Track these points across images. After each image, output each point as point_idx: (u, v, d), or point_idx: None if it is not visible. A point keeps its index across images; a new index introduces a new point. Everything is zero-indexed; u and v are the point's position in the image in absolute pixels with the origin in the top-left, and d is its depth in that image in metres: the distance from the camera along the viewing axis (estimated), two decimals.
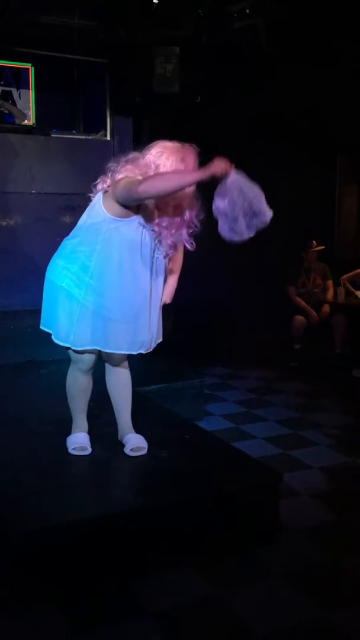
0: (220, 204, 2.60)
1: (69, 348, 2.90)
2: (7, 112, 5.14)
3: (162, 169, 2.67)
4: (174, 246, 2.84)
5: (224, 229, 2.63)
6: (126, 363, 3.04)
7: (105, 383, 3.08)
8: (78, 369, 2.97)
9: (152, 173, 2.67)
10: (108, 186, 2.77)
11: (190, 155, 2.70)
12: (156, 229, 2.77)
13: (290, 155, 6.75)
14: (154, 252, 2.83)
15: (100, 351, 2.92)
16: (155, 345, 2.96)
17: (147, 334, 2.89)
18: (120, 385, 3.06)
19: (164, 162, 2.68)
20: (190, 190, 2.71)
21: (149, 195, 2.60)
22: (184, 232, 2.80)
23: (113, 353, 2.93)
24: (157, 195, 2.63)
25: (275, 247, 6.76)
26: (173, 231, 2.77)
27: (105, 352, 2.93)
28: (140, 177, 2.64)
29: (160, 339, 3.01)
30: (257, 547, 2.76)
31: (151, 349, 2.94)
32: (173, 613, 2.35)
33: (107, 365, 3.04)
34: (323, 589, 2.52)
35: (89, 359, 2.93)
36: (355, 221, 7.32)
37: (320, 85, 5.83)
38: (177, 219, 2.76)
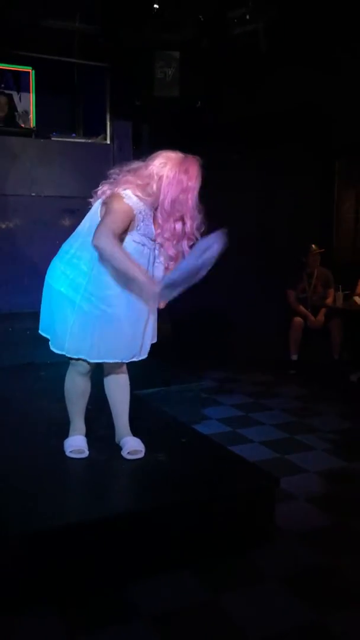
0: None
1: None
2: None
3: (165, 181, 2.68)
4: (174, 257, 2.84)
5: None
6: (125, 367, 3.06)
7: (103, 386, 3.09)
8: (77, 372, 2.98)
9: (154, 184, 2.69)
10: (107, 197, 2.77)
11: (194, 166, 2.71)
12: (158, 240, 2.79)
13: (288, 159, 6.78)
14: (153, 262, 2.84)
15: None
16: (146, 352, 2.98)
17: (140, 344, 2.91)
18: (118, 388, 3.07)
19: (167, 173, 2.69)
20: (193, 202, 2.72)
21: (100, 249, 2.67)
22: (184, 243, 2.80)
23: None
24: (104, 256, 2.69)
25: (274, 251, 6.79)
26: (174, 242, 2.78)
27: None
28: (125, 203, 2.68)
29: (155, 340, 3.03)
30: (254, 551, 2.77)
31: (145, 357, 2.96)
32: (170, 616, 2.36)
33: (105, 368, 3.05)
34: (319, 593, 2.53)
35: (88, 361, 2.93)
36: (354, 225, 7.34)
37: (319, 90, 5.85)
38: (179, 231, 2.77)
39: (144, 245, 2.78)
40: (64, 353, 2.88)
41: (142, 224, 2.75)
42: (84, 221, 2.89)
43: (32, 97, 5.27)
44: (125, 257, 2.68)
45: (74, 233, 2.93)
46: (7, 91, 5.24)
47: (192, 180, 2.69)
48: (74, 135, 5.61)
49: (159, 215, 2.75)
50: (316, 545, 2.89)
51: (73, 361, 2.95)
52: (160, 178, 2.69)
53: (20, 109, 5.27)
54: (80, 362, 2.92)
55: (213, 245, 2.56)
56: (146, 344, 2.95)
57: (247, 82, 5.77)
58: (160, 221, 2.76)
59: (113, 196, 2.72)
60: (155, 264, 2.84)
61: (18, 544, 2.38)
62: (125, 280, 2.71)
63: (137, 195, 2.72)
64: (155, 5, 4.65)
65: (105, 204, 2.76)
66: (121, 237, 2.73)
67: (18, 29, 4.71)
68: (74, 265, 2.81)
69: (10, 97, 5.15)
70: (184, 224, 2.76)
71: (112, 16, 4.96)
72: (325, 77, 5.71)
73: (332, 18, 4.90)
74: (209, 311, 6.03)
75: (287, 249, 6.64)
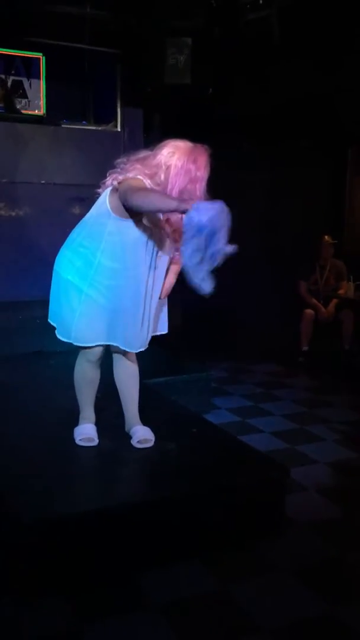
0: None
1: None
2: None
3: (173, 170, 2.64)
4: (180, 249, 2.81)
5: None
6: (134, 356, 3.04)
7: (112, 375, 3.08)
8: (86, 360, 2.97)
9: (162, 174, 2.65)
10: (118, 182, 2.72)
11: (202, 156, 2.67)
12: (166, 229, 2.76)
13: (299, 149, 6.71)
14: (158, 252, 2.81)
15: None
16: (148, 340, 2.94)
17: (146, 333, 2.89)
18: (128, 377, 3.06)
19: (175, 162, 2.65)
20: (201, 192, 2.67)
21: (137, 206, 2.59)
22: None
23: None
24: (142, 210, 2.62)
25: (286, 241, 6.74)
26: (180, 233, 2.74)
27: (114, 346, 2.93)
28: (144, 182, 2.61)
29: (166, 330, 3.01)
30: (263, 541, 2.76)
31: (146, 347, 2.94)
32: (179, 606, 2.36)
33: (115, 357, 3.04)
34: (328, 584, 2.52)
35: (98, 349, 2.92)
36: None
37: (332, 78, 5.77)
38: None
39: (148, 233, 2.75)
40: (70, 341, 2.87)
41: (147, 214, 2.72)
42: (91, 210, 2.87)
43: (42, 83, 5.22)
44: (159, 195, 2.58)
45: (81, 221, 2.91)
46: (16, 77, 5.19)
47: (200, 170, 2.65)
48: (84, 122, 5.56)
49: None
50: (326, 536, 2.87)
51: (82, 349, 2.94)
52: (168, 168, 2.65)
53: (30, 95, 5.22)
54: (89, 350, 2.91)
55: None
56: (149, 331, 2.93)
57: (259, 71, 5.70)
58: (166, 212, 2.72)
59: (128, 179, 2.67)
60: (160, 254, 2.81)
61: (27, 533, 2.38)
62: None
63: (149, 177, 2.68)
64: None
65: (119, 184, 2.69)
66: (134, 217, 2.70)
67: (28, 14, 4.66)
68: (81, 253, 2.80)
69: (3, 80, 5.07)
70: None
71: (124, 2, 4.91)
72: (338, 65, 5.63)
73: (345, 5, 4.83)
74: (219, 301, 5.99)
75: (298, 239, 6.58)
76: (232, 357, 6.03)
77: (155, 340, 3.00)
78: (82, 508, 2.53)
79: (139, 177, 2.66)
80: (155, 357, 3.15)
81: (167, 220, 2.76)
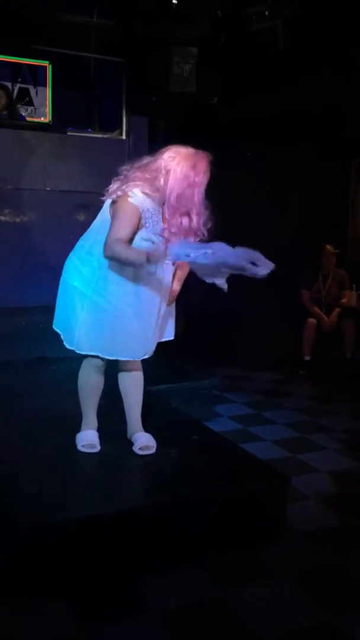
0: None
1: None
2: None
3: (172, 175, 2.68)
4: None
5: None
6: (139, 363, 3.05)
7: (115, 381, 3.09)
8: (90, 366, 2.98)
9: (161, 178, 2.70)
10: (116, 197, 2.78)
11: (202, 162, 2.71)
12: (165, 234, 2.78)
13: (303, 158, 6.73)
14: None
15: None
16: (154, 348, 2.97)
17: (151, 340, 2.92)
18: (132, 384, 3.07)
19: (175, 167, 2.69)
20: (199, 197, 2.72)
21: (114, 259, 2.71)
22: (191, 240, 2.79)
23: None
24: (120, 262, 2.72)
25: (288, 249, 6.75)
26: (181, 238, 2.76)
27: None
28: (136, 205, 2.70)
29: (172, 337, 3.04)
30: (264, 549, 2.76)
31: (151, 354, 2.95)
32: (179, 611, 2.36)
33: (120, 363, 3.05)
34: (328, 592, 2.52)
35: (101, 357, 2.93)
36: None
37: (336, 90, 5.80)
38: (185, 226, 2.76)
39: (153, 242, 2.77)
40: (73, 348, 2.89)
41: (150, 221, 2.76)
42: (96, 218, 2.92)
43: (48, 91, 5.26)
44: (134, 251, 2.68)
45: (88, 229, 2.95)
46: (23, 85, 5.23)
47: (199, 175, 2.68)
48: (89, 130, 5.60)
49: (166, 209, 2.75)
50: (326, 544, 2.87)
51: (87, 356, 2.96)
52: (167, 172, 2.69)
53: (36, 103, 5.26)
54: (94, 357, 2.93)
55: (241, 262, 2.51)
56: (155, 338, 2.95)
57: (264, 80, 5.73)
58: (167, 215, 2.76)
59: (120, 198, 2.74)
60: (165, 264, 2.84)
61: (28, 537, 2.39)
62: (142, 270, 2.72)
63: (145, 193, 2.72)
64: (174, 0, 4.62)
65: (114, 203, 2.78)
66: (131, 237, 2.75)
67: (35, 23, 4.70)
68: (87, 261, 2.84)
69: (6, 88, 5.11)
70: (190, 219, 2.76)
71: (130, 11, 4.94)
72: (343, 76, 5.66)
73: (351, 16, 4.86)
74: (220, 309, 6.00)
75: (301, 248, 6.60)
76: (233, 364, 6.04)
77: (157, 346, 3.01)
78: (84, 513, 2.54)
79: (133, 190, 2.70)
80: (157, 364, 3.16)
81: (175, 210, 2.76)
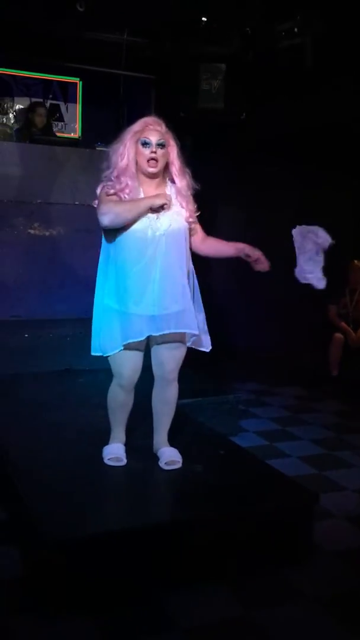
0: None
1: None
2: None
3: (121, 143, 2.87)
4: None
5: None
6: (175, 378, 3.00)
7: (144, 395, 3.08)
8: (118, 385, 2.98)
9: (118, 155, 2.87)
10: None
11: (143, 119, 2.90)
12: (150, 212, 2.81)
13: (328, 174, 6.71)
14: (164, 233, 2.82)
15: (150, 366, 2.95)
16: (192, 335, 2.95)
17: (158, 319, 2.80)
18: (165, 401, 3.04)
19: (122, 136, 2.89)
20: (169, 165, 2.90)
21: (111, 224, 2.82)
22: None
23: (164, 363, 2.94)
24: (117, 224, 2.80)
25: None
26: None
27: (156, 364, 2.96)
28: (108, 196, 2.85)
29: (209, 348, 3.04)
30: (290, 568, 2.72)
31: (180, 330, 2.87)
32: (203, 630, 2.33)
33: (157, 377, 3.01)
34: (354, 615, 2.47)
35: (129, 374, 2.92)
36: None
37: None
38: (164, 191, 2.87)
39: (142, 221, 2.81)
40: (99, 354, 2.92)
41: (127, 190, 2.84)
42: None
43: (78, 107, 5.35)
44: (123, 205, 2.80)
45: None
46: (54, 102, 5.33)
47: (139, 124, 2.86)
48: None
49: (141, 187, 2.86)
50: (354, 565, 2.82)
51: (115, 373, 2.96)
52: (119, 144, 2.88)
53: (66, 119, 5.35)
54: (120, 374, 2.93)
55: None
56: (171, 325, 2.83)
57: (291, 97, 5.74)
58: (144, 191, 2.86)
59: (99, 201, 2.91)
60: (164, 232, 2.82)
61: (54, 551, 2.39)
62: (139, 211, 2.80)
63: (115, 178, 2.86)
64: (204, 18, 4.67)
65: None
66: (120, 229, 2.82)
67: (67, 41, 4.79)
68: (100, 270, 2.97)
69: (48, 107, 5.22)
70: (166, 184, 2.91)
71: (160, 29, 5.01)
72: None
73: None
74: (248, 322, 5.98)
75: (327, 262, 6.54)
76: (259, 379, 6.00)
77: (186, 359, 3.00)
78: (109, 527, 2.53)
79: (103, 191, 2.88)
80: (183, 378, 3.15)
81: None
